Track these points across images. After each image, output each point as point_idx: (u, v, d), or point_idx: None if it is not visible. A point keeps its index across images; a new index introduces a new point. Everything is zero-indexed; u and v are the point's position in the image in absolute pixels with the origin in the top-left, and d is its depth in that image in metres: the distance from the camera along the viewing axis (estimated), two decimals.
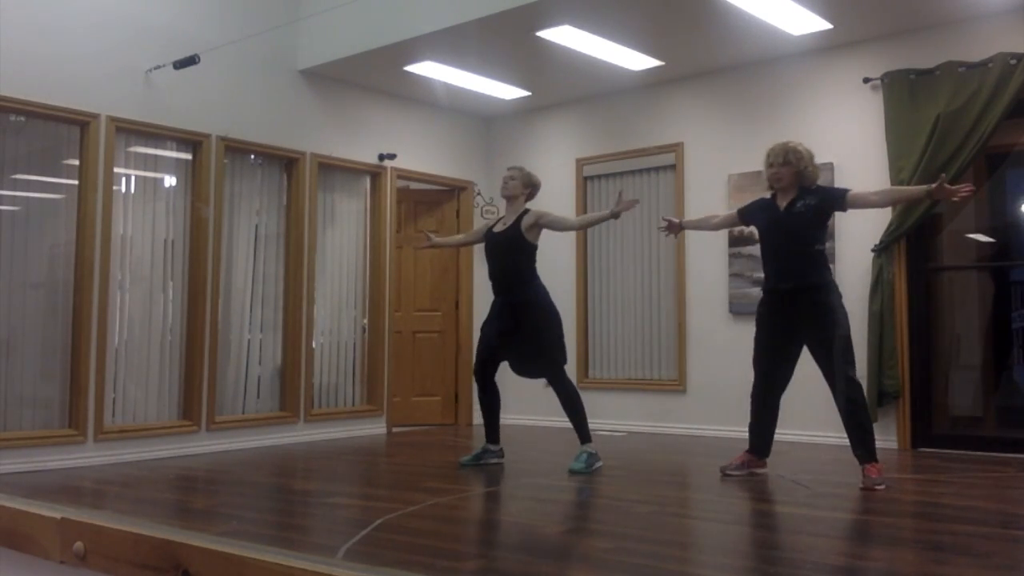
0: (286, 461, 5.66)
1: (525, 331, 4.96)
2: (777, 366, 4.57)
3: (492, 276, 5.20)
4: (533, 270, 5.08)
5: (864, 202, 4.43)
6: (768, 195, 4.65)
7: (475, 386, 5.30)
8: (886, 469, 4.37)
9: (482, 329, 5.26)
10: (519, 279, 5.03)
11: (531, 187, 5.21)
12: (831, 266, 4.71)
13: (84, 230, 5.37)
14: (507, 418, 5.48)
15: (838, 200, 4.43)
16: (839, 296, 4.40)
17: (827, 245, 5.90)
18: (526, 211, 5.13)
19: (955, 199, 4.24)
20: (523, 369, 5.13)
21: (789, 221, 4.45)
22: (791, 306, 4.42)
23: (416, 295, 7.70)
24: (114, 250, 5.52)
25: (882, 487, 4.16)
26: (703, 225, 5.18)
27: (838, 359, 4.25)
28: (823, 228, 4.49)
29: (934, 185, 4.17)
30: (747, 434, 4.79)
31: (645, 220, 7.12)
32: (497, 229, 5.21)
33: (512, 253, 5.07)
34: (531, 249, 5.07)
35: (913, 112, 5.71)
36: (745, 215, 4.77)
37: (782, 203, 4.51)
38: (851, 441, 4.31)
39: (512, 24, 5.68)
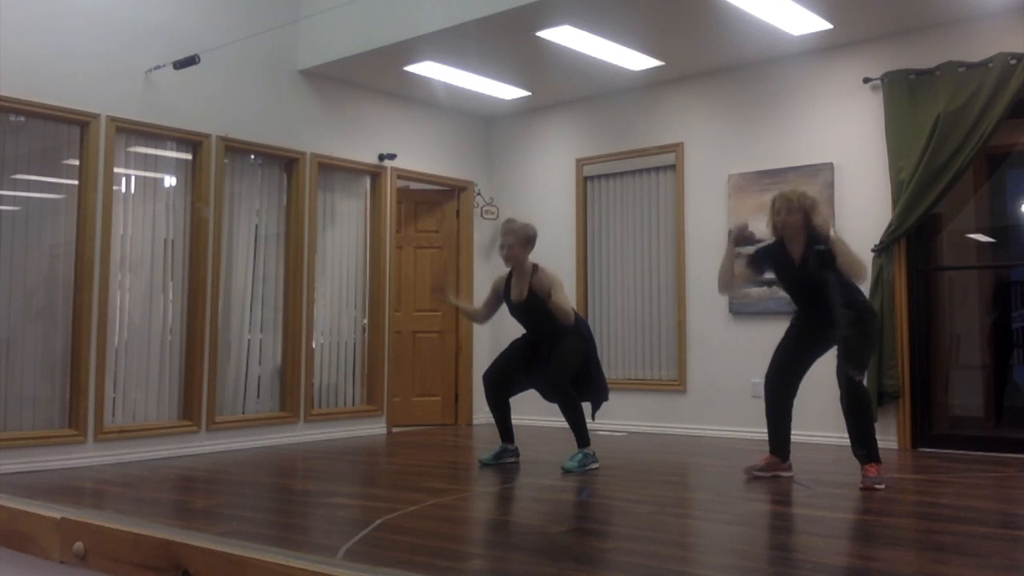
0: (286, 461, 5.66)
1: (557, 351, 4.97)
2: (794, 367, 4.56)
3: (529, 333, 5.20)
4: (568, 312, 5.00)
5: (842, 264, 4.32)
6: (773, 240, 4.58)
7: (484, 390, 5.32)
8: (886, 469, 4.37)
9: (514, 345, 5.25)
10: (553, 328, 5.00)
11: (529, 242, 5.03)
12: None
13: (84, 230, 5.37)
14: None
15: (828, 253, 4.33)
16: (864, 310, 4.38)
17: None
18: (535, 269, 5.01)
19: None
20: (543, 390, 5.14)
21: (806, 278, 4.39)
22: (822, 334, 4.43)
23: (416, 295, 7.70)
24: (114, 250, 5.52)
25: (881, 487, 4.16)
26: (727, 272, 4.68)
27: (840, 358, 4.27)
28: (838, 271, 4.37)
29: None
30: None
31: (645, 220, 7.12)
32: (513, 297, 5.07)
33: (540, 315, 5.01)
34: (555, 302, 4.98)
35: (913, 112, 5.71)
36: (758, 264, 4.65)
37: (795, 253, 4.43)
38: (851, 441, 4.32)
39: (512, 24, 5.67)
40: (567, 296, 5.09)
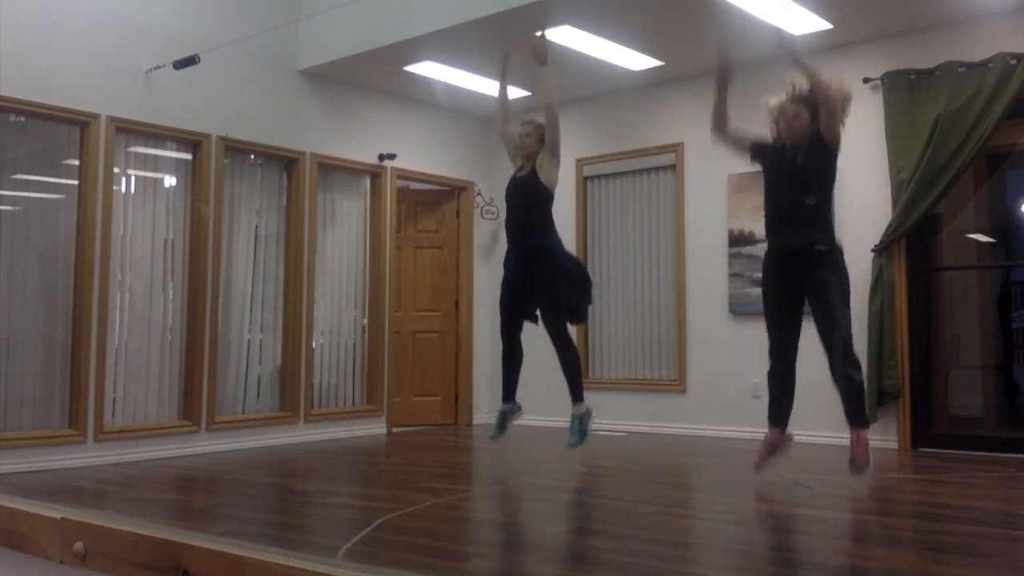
0: (286, 461, 5.66)
1: (538, 284, 4.90)
2: (787, 323, 4.37)
3: (507, 223, 5.15)
4: (548, 219, 4.97)
5: (824, 101, 4.16)
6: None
7: (498, 348, 5.23)
8: (886, 469, 4.37)
9: (501, 283, 5.17)
10: (532, 226, 4.94)
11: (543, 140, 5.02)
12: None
13: (84, 230, 5.37)
14: None
15: (824, 140, 4.19)
16: (841, 254, 4.27)
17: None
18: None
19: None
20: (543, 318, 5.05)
21: (793, 168, 4.21)
22: (793, 268, 4.27)
23: (416, 295, 7.70)
24: (114, 250, 5.52)
25: (869, 470, 4.10)
26: (721, 108, 4.56)
27: (836, 305, 4.14)
28: (830, 179, 4.26)
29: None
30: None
31: (646, 220, 7.12)
32: (519, 174, 5.12)
33: (528, 197, 4.98)
34: (546, 195, 4.95)
35: (913, 112, 5.72)
36: (757, 150, 4.47)
37: (791, 147, 4.26)
38: (847, 405, 4.18)
39: (512, 24, 5.67)
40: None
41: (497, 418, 5.17)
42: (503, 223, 5.30)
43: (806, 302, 4.32)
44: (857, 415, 4.18)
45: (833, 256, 4.25)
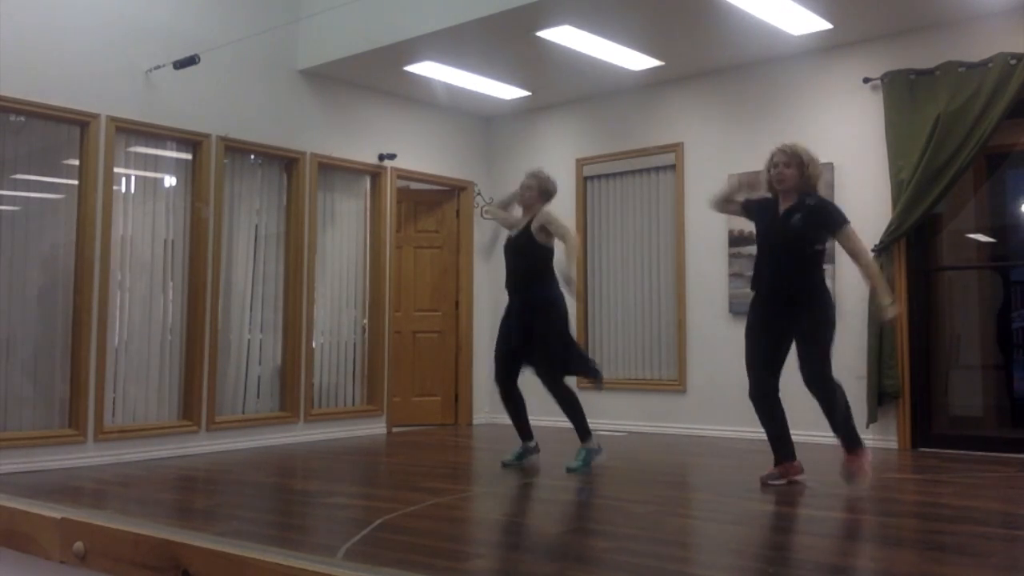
0: (286, 461, 5.66)
1: (535, 336, 4.93)
2: (771, 373, 4.43)
3: (506, 280, 5.19)
4: (547, 273, 5.00)
5: (850, 247, 4.28)
6: (770, 195, 4.49)
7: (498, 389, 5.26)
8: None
9: (499, 331, 5.21)
10: (530, 281, 5.00)
11: (547, 195, 5.14)
12: (828, 266, 4.56)
13: (84, 230, 5.37)
14: (506, 417, 5.48)
15: (833, 226, 4.27)
16: (832, 308, 4.29)
17: (826, 246, 5.88)
18: (541, 211, 5.09)
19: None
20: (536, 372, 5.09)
21: (785, 231, 4.28)
22: (781, 316, 4.31)
23: (416, 295, 7.70)
24: (114, 250, 5.52)
25: (866, 477, 4.13)
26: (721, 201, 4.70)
27: (806, 360, 4.21)
28: (819, 241, 4.31)
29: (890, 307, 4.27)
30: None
31: (646, 220, 7.12)
32: (513, 233, 5.19)
33: (524, 257, 5.05)
34: (543, 252, 5.02)
35: (913, 112, 5.72)
36: (749, 208, 4.57)
37: (782, 207, 4.34)
38: (843, 436, 4.24)
39: (512, 24, 5.67)
40: (568, 231, 5.06)
41: (519, 451, 5.15)
42: (507, 217, 5.35)
43: (788, 347, 4.36)
44: (849, 440, 4.21)
45: (820, 303, 4.26)
